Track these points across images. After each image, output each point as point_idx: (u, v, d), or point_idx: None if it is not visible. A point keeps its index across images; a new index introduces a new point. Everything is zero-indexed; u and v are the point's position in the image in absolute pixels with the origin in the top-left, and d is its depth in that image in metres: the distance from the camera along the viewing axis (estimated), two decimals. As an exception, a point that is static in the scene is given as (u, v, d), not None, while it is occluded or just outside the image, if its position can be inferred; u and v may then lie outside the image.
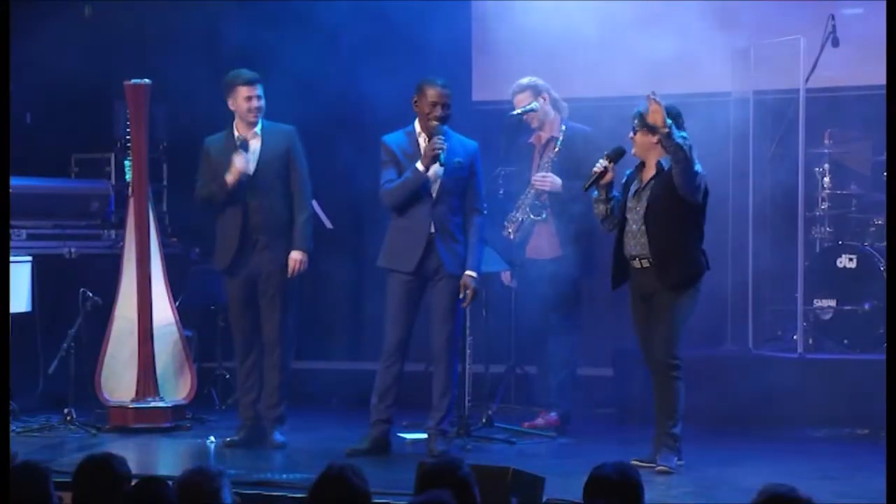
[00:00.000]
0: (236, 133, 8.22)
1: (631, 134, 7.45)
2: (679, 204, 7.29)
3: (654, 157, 7.37)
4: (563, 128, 8.62)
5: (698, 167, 7.25)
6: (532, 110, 8.64)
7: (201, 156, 8.33)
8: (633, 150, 7.45)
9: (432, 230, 7.81)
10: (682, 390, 7.35)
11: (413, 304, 7.87)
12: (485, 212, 7.96)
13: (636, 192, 7.41)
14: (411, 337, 7.90)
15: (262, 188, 8.12)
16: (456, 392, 7.92)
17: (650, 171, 7.38)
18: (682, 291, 7.34)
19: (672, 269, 7.32)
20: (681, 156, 7.15)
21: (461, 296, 7.83)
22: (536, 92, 8.67)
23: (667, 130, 7.12)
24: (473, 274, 7.83)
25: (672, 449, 7.31)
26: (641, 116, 7.33)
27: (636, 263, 7.39)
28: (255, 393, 8.25)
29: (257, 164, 8.15)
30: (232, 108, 8.22)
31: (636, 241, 7.37)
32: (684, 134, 7.22)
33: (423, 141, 7.87)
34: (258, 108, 8.18)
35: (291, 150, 8.22)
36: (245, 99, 8.16)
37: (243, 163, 8.08)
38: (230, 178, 8.09)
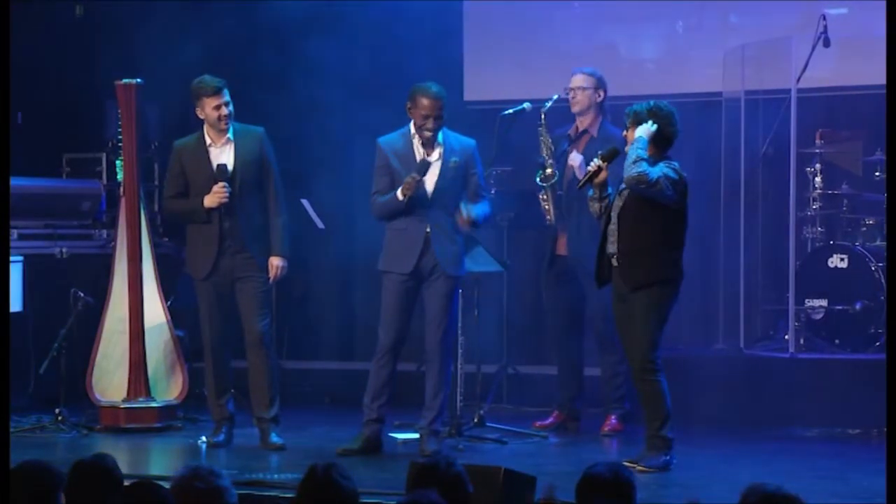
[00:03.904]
0: (208, 140, 8.17)
1: (624, 131, 7.47)
2: (650, 204, 7.26)
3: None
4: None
5: (665, 171, 7.23)
6: (523, 110, 8.64)
7: (171, 158, 8.31)
8: (626, 148, 7.46)
9: (428, 230, 7.81)
10: (663, 391, 7.33)
11: (408, 304, 7.86)
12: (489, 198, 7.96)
13: (620, 190, 7.42)
14: (406, 337, 7.90)
15: (237, 192, 8.09)
16: (448, 392, 7.92)
17: None
18: (651, 294, 7.29)
19: (632, 269, 7.31)
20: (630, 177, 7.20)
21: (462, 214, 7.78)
22: (596, 84, 8.67)
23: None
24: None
25: (658, 449, 7.31)
26: (635, 114, 7.35)
27: (614, 261, 7.40)
28: (227, 395, 8.27)
29: (233, 170, 8.14)
30: (201, 116, 8.16)
31: (613, 240, 7.38)
32: (640, 151, 7.23)
33: (417, 142, 7.86)
34: (228, 116, 8.12)
35: (264, 153, 8.20)
36: (213, 108, 8.09)
37: (225, 195, 8.05)
38: (210, 203, 8.08)
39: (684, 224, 7.38)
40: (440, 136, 7.84)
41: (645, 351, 7.32)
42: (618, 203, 7.39)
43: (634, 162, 7.19)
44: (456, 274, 7.84)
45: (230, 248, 8.12)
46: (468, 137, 7.96)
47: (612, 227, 7.38)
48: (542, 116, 8.68)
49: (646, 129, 7.29)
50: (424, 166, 7.77)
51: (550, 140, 8.68)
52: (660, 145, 7.32)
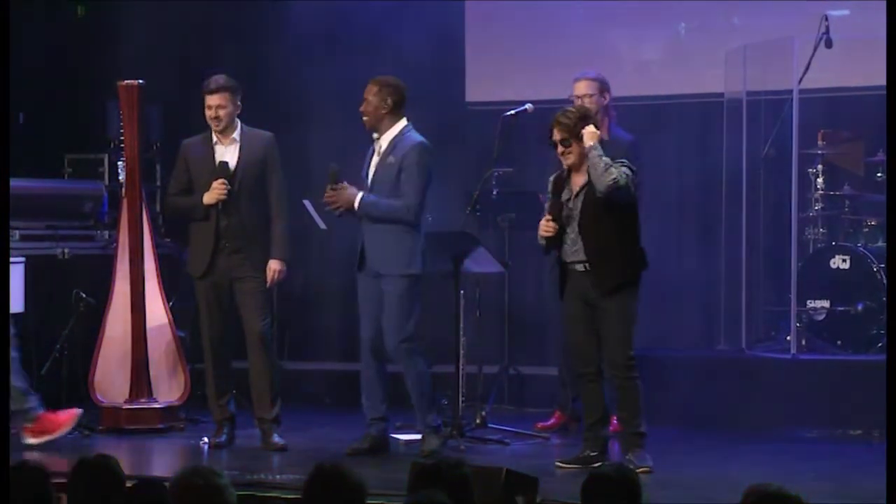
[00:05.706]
0: (214, 138, 8.23)
1: (561, 149, 7.44)
2: (611, 207, 7.27)
3: (586, 165, 7.36)
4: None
5: (623, 170, 7.23)
6: (525, 111, 8.63)
7: (178, 156, 8.36)
8: (568, 161, 7.40)
9: (363, 230, 7.87)
10: (641, 389, 7.37)
11: (372, 302, 7.86)
12: (411, 205, 7.77)
13: (568, 199, 7.42)
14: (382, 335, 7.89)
15: (237, 191, 8.12)
16: (429, 388, 7.85)
17: (581, 178, 7.38)
18: (624, 293, 7.33)
19: (608, 274, 7.32)
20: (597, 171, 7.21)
21: None
22: (601, 87, 8.65)
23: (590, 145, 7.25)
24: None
25: (642, 447, 7.33)
26: (569, 128, 7.35)
27: (579, 267, 7.39)
28: (228, 395, 8.29)
29: (235, 170, 8.16)
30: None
31: (576, 248, 7.38)
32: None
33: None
34: (215, 119, 8.15)
35: (269, 158, 8.21)
36: (207, 107, 8.17)
37: (224, 192, 8.07)
38: (208, 199, 8.11)
39: (637, 217, 7.42)
40: (393, 135, 7.83)
41: (626, 351, 7.37)
42: (571, 212, 7.39)
43: (606, 169, 7.20)
44: (395, 273, 7.77)
45: (227, 248, 8.14)
46: (418, 137, 7.86)
47: (573, 235, 7.38)
48: None
49: (593, 134, 7.30)
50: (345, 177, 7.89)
51: None
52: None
